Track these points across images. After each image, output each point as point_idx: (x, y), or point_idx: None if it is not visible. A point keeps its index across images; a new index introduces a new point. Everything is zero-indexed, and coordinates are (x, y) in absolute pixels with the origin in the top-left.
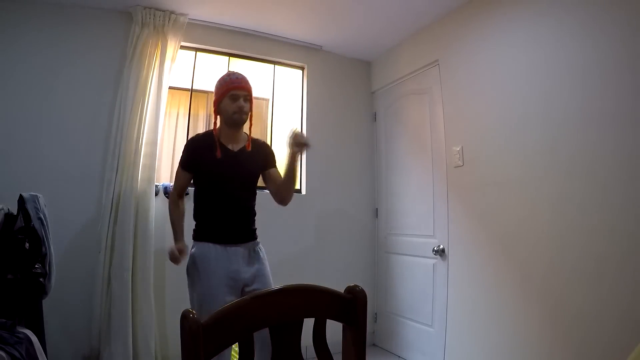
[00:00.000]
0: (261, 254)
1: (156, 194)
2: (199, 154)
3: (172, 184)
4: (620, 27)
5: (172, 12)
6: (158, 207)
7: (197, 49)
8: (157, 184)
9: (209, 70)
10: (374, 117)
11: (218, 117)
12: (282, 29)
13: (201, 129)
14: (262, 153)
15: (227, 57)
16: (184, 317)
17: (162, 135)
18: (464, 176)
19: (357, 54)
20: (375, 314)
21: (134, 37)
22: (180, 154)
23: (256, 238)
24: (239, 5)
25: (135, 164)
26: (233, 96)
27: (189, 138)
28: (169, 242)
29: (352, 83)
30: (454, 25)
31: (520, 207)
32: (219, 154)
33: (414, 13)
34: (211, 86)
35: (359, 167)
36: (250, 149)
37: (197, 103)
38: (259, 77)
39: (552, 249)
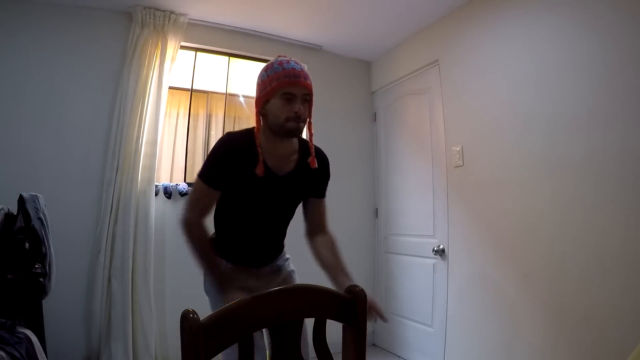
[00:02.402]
0: (289, 268)
1: (156, 194)
2: (234, 167)
3: (172, 184)
4: (623, 25)
5: (172, 12)
6: (158, 208)
7: (197, 49)
8: (157, 184)
9: (209, 70)
10: (374, 117)
11: (261, 119)
12: (282, 29)
13: (201, 129)
14: (321, 173)
15: (227, 57)
16: (184, 317)
17: (162, 135)
18: (464, 176)
19: (357, 54)
20: None
21: (134, 37)
22: (206, 158)
23: (282, 250)
24: (239, 5)
25: (135, 164)
26: (287, 95)
27: (222, 137)
28: (169, 241)
29: (352, 83)
30: (454, 25)
31: (520, 207)
32: (261, 170)
33: (414, 13)
34: (211, 86)
35: (359, 167)
36: (315, 166)
37: (197, 103)
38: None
39: (552, 248)
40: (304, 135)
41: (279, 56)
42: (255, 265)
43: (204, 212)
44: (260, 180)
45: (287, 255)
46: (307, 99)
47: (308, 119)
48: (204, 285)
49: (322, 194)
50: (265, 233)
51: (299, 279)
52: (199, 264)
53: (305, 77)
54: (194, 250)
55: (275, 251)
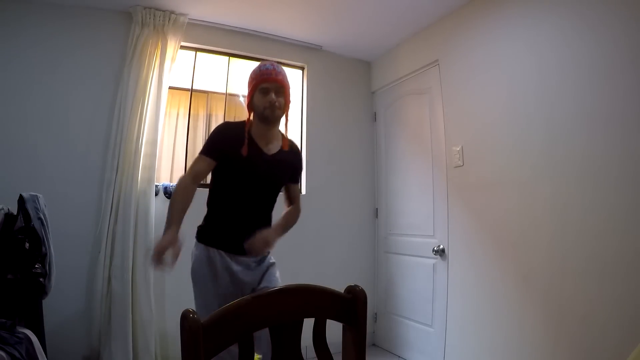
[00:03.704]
0: (270, 260)
1: (156, 194)
2: (228, 145)
3: (172, 184)
4: (623, 25)
5: (172, 12)
6: (158, 207)
7: (197, 49)
8: (157, 184)
9: (209, 70)
10: (374, 117)
11: (252, 114)
12: (282, 29)
13: (201, 129)
14: (294, 162)
15: (227, 57)
16: (184, 317)
17: (162, 135)
18: (464, 176)
19: (357, 54)
20: (375, 314)
21: (134, 37)
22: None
23: None
24: (239, 5)
25: (135, 164)
26: (263, 90)
27: (219, 125)
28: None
29: (352, 83)
30: (454, 25)
31: (520, 207)
32: (245, 150)
33: (414, 13)
34: (211, 86)
35: (359, 167)
36: (286, 149)
37: (197, 103)
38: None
39: (552, 248)
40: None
41: (262, 62)
42: (241, 251)
43: (197, 177)
44: (252, 160)
45: (271, 255)
46: (281, 91)
47: (285, 108)
48: (192, 272)
49: (296, 180)
50: (252, 211)
51: (300, 278)
52: (170, 213)
53: (277, 74)
54: (171, 203)
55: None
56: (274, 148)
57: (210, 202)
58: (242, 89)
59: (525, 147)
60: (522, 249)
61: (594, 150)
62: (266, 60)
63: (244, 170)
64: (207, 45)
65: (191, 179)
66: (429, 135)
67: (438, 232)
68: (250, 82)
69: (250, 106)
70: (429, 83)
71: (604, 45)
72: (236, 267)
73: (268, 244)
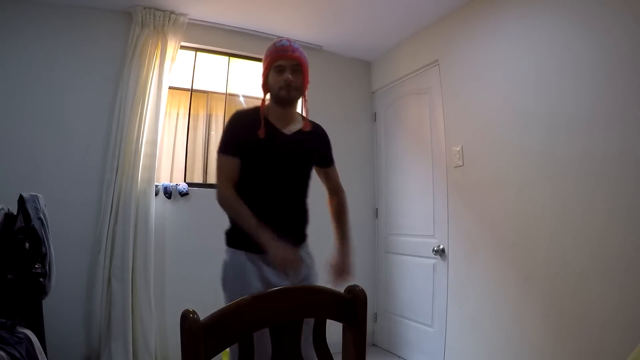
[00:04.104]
0: (308, 261)
1: (156, 194)
2: (244, 134)
3: (172, 184)
4: (623, 25)
5: (172, 12)
6: (158, 207)
7: (197, 49)
8: (157, 184)
9: (209, 70)
10: (374, 117)
11: (268, 95)
12: (282, 29)
13: (201, 129)
14: (317, 142)
15: (227, 57)
16: (184, 317)
17: (162, 135)
18: (464, 176)
19: (357, 54)
20: (375, 314)
21: (134, 37)
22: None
23: (304, 240)
24: (239, 5)
25: (135, 164)
26: (279, 68)
27: (232, 115)
28: (169, 241)
29: (352, 83)
30: (454, 25)
31: (520, 207)
32: (262, 132)
33: (414, 13)
34: (211, 86)
35: (359, 167)
36: (308, 129)
37: (197, 103)
38: (259, 77)
39: (552, 248)
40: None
41: (278, 38)
42: None
43: (229, 181)
44: (269, 142)
45: (310, 251)
46: (298, 69)
47: (303, 87)
48: (223, 280)
49: (327, 162)
50: (281, 200)
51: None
52: (244, 226)
53: (293, 50)
54: (233, 216)
55: (294, 230)
56: (293, 129)
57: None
58: (242, 89)
59: (525, 147)
60: (522, 249)
61: (594, 150)
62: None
63: (263, 153)
64: (207, 45)
65: (225, 187)
66: (429, 135)
67: (438, 232)
68: (264, 60)
69: (265, 86)
70: (429, 83)
71: (603, 45)
72: (269, 272)
73: (346, 271)
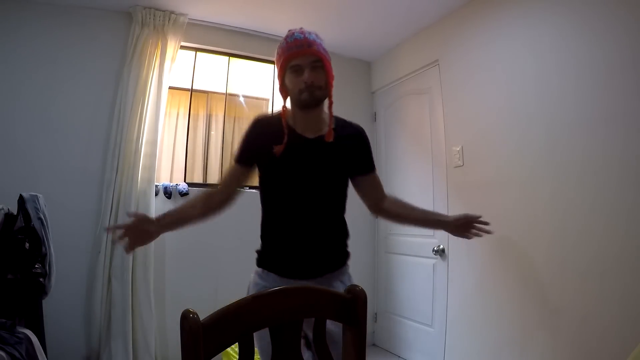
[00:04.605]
0: (347, 283)
1: (156, 194)
2: (260, 143)
3: (172, 184)
4: (624, 25)
5: (172, 12)
6: (158, 207)
7: (197, 49)
8: (157, 184)
9: (209, 70)
10: (374, 117)
11: (288, 98)
12: (282, 29)
13: (201, 129)
14: (356, 146)
15: (227, 57)
16: (184, 317)
17: (162, 135)
18: (464, 176)
19: (357, 54)
20: (375, 314)
21: (134, 37)
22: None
23: (343, 265)
24: (239, 5)
25: (135, 164)
26: (295, 68)
27: (250, 122)
28: (169, 241)
29: (352, 83)
30: (454, 25)
31: (520, 207)
32: (284, 141)
33: (414, 13)
34: (211, 86)
35: None
36: (332, 138)
37: (197, 103)
38: (259, 77)
39: (552, 248)
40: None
41: (289, 30)
42: (300, 274)
43: (224, 185)
44: (288, 150)
45: (350, 272)
46: (318, 65)
47: (328, 84)
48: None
49: (367, 168)
50: (307, 217)
51: None
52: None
53: (310, 44)
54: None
55: (327, 250)
56: (320, 134)
57: (262, 218)
58: (242, 89)
59: (525, 147)
60: (522, 249)
61: (594, 150)
62: (266, 60)
63: (285, 162)
64: (207, 45)
65: (214, 190)
66: (429, 135)
67: (438, 232)
68: (277, 60)
69: (283, 90)
70: (429, 83)
71: (604, 45)
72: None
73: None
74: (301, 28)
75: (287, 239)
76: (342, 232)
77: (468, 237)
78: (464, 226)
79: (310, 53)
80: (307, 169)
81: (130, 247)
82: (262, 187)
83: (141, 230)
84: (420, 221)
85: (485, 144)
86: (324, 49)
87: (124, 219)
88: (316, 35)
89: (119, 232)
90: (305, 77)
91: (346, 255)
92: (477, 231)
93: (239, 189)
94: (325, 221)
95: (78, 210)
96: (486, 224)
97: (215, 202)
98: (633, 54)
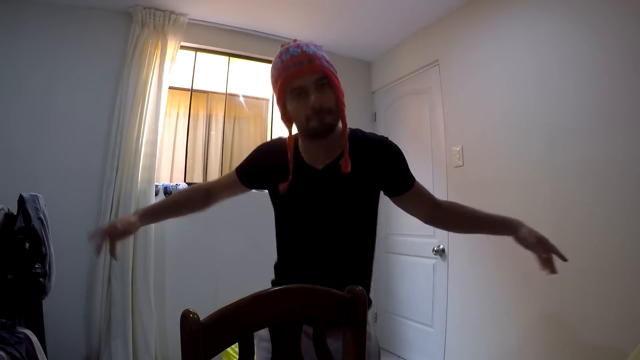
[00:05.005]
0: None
1: (156, 194)
2: (264, 168)
3: (172, 184)
4: (624, 24)
5: (172, 12)
6: None
7: (197, 49)
8: (157, 184)
9: (209, 70)
10: (374, 117)
11: (291, 126)
12: (282, 29)
13: (201, 129)
14: (383, 165)
15: (227, 57)
16: (184, 317)
17: (162, 135)
18: (464, 176)
19: (357, 54)
20: (375, 314)
21: (134, 37)
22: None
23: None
24: (239, 5)
25: (135, 164)
26: (297, 91)
27: (261, 144)
28: (169, 241)
29: (352, 83)
30: (454, 25)
31: (520, 207)
32: (289, 178)
33: (414, 13)
34: (211, 86)
35: None
36: (349, 168)
37: (197, 103)
38: (259, 77)
39: None
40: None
41: (282, 45)
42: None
43: (212, 186)
44: (300, 178)
45: (372, 329)
46: (324, 83)
47: (338, 102)
48: None
49: (405, 186)
50: (326, 257)
51: None
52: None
53: (311, 58)
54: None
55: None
56: (328, 159)
57: (277, 251)
58: (242, 89)
59: (525, 147)
60: (522, 248)
61: (595, 150)
62: (266, 60)
63: (291, 196)
64: (207, 45)
65: (205, 185)
66: (429, 135)
67: (438, 232)
68: (273, 83)
69: (286, 117)
70: (429, 83)
71: (605, 44)
72: (305, 344)
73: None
74: (295, 40)
75: (307, 266)
76: (361, 269)
77: (543, 260)
78: (538, 245)
79: (313, 70)
80: (319, 206)
81: (113, 249)
82: (276, 223)
83: (122, 229)
84: (484, 227)
85: (485, 144)
86: (327, 62)
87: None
88: (315, 46)
89: (99, 237)
90: (312, 100)
91: (369, 303)
92: (548, 265)
93: (225, 198)
94: (344, 259)
95: (78, 210)
96: (564, 259)
97: (197, 198)
98: (634, 53)
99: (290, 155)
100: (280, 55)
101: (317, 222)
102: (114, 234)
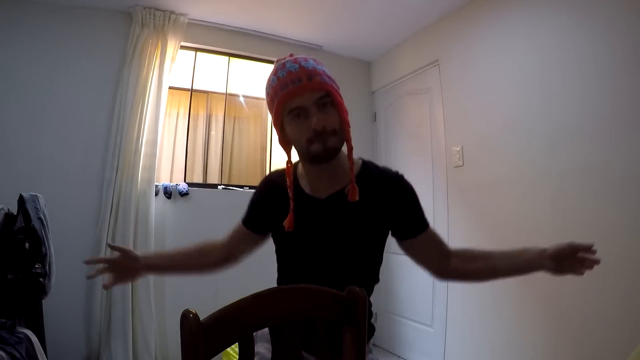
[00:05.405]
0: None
1: (156, 194)
2: (267, 206)
3: (172, 184)
4: (626, 24)
5: (172, 12)
6: (158, 207)
7: (197, 49)
8: (157, 184)
9: (209, 70)
10: (374, 117)
11: (290, 149)
12: (282, 29)
13: (201, 129)
14: (395, 204)
15: (227, 57)
16: (184, 317)
17: (162, 135)
18: (464, 176)
19: (357, 54)
20: (375, 314)
21: (134, 37)
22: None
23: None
24: (239, 5)
25: (135, 164)
26: (296, 112)
27: (263, 178)
28: (169, 241)
29: (352, 83)
30: (454, 25)
31: (521, 207)
32: (289, 221)
33: (414, 13)
34: (211, 86)
35: None
36: (356, 197)
37: (197, 103)
38: (259, 77)
39: None
40: None
41: (277, 61)
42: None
43: (229, 240)
44: (301, 211)
45: (373, 349)
46: (326, 101)
47: (343, 122)
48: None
49: (416, 229)
50: (326, 283)
51: None
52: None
53: (310, 75)
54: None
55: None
56: (332, 188)
57: (277, 280)
58: (242, 89)
59: (526, 147)
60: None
61: (596, 150)
62: (266, 60)
63: (292, 232)
64: (207, 45)
65: (220, 240)
66: (429, 135)
67: (438, 232)
68: (270, 104)
69: (284, 140)
70: (429, 83)
71: (606, 44)
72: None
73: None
74: (292, 55)
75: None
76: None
77: (579, 273)
78: (569, 258)
79: (313, 88)
80: (321, 239)
81: (110, 284)
82: (276, 253)
83: (125, 268)
84: (506, 271)
85: (485, 144)
86: (328, 77)
87: (124, 220)
88: (314, 60)
89: (101, 266)
90: (314, 122)
91: (371, 330)
92: (588, 263)
93: (246, 252)
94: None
95: (78, 210)
96: (593, 252)
97: (214, 257)
98: (636, 51)
99: (289, 181)
100: (275, 72)
101: (318, 257)
102: (119, 276)
